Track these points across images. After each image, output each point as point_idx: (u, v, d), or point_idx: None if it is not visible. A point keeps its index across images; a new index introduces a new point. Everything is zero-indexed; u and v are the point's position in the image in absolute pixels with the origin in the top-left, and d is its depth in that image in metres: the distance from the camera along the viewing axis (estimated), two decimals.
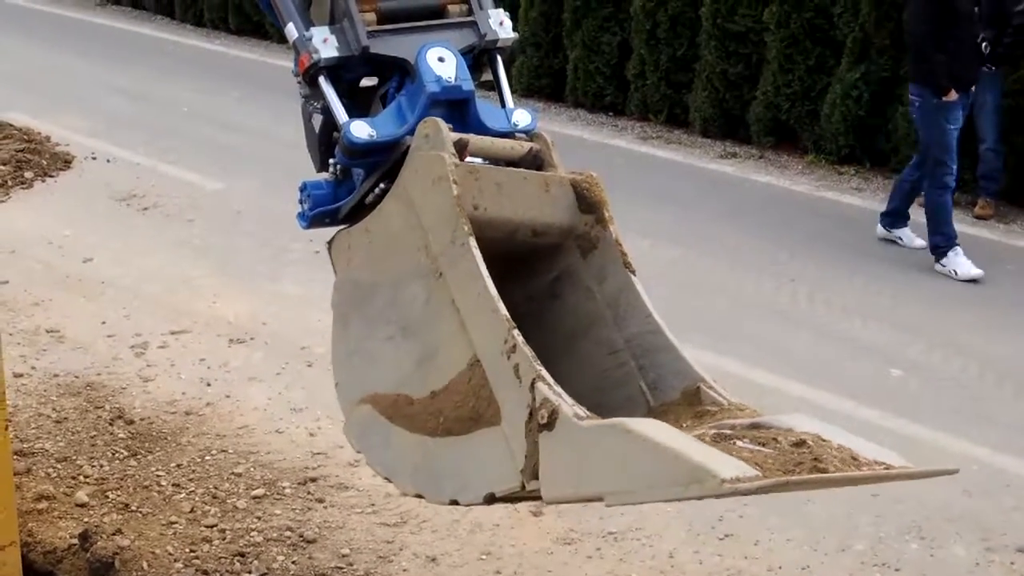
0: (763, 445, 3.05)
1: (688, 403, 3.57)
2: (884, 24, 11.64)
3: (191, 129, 13.00)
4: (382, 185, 3.77)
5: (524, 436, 3.17)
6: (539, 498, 3.24)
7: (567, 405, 3.08)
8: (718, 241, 10.05)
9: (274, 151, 11.27)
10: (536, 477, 3.16)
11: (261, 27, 17.66)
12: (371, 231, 3.73)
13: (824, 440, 3.08)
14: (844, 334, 8.38)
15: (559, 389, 3.13)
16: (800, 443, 3.04)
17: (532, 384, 3.14)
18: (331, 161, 4.00)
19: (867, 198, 11.37)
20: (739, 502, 5.89)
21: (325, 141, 4.03)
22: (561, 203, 3.73)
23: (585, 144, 12.91)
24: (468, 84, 3.75)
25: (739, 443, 3.05)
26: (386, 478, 3.78)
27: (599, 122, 13.96)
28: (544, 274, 3.64)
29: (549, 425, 3.08)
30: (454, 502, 3.52)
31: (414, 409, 3.58)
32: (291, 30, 3.97)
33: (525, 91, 14.57)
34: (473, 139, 3.63)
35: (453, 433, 3.45)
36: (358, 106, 4.01)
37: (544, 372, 3.16)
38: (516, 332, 3.23)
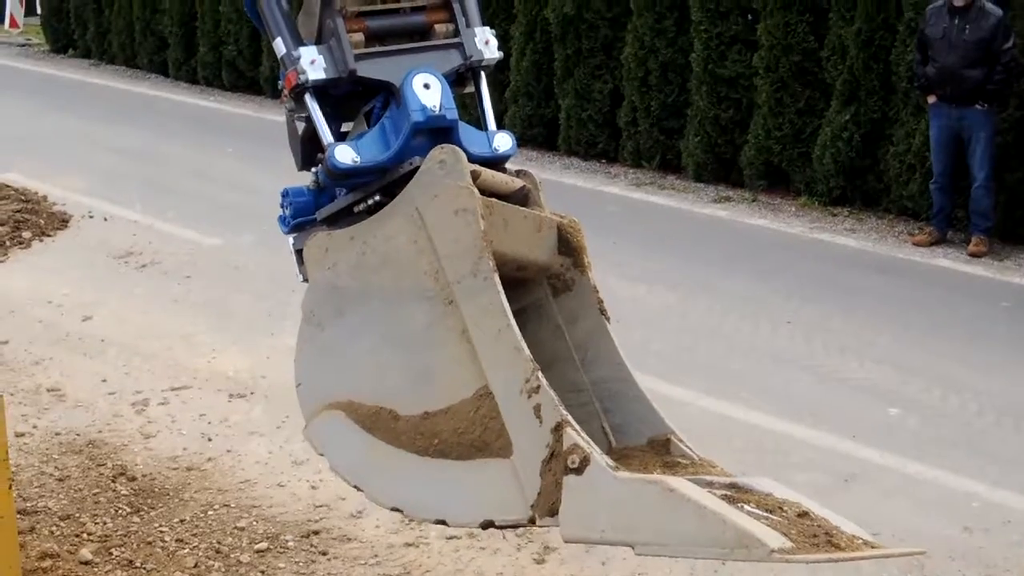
0: (770, 512, 3.13)
1: (655, 452, 3.70)
2: (872, 66, 11.74)
3: (187, 186, 13.07)
4: (377, 197, 3.83)
5: (539, 474, 3.26)
6: (534, 526, 3.33)
7: (598, 454, 3.18)
8: (714, 285, 10.09)
9: (270, 206, 11.07)
10: (552, 515, 3.24)
11: (255, 83, 17.80)
12: (366, 242, 3.76)
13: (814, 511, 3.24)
14: (842, 375, 8.40)
15: (587, 436, 3.21)
16: (804, 514, 3.19)
17: (557, 427, 3.22)
18: (313, 170, 4.06)
19: (860, 239, 11.44)
20: None
21: (307, 143, 4.11)
22: (546, 243, 3.88)
23: (579, 192, 12.98)
24: (452, 113, 3.83)
25: (746, 508, 3.12)
26: (355, 486, 3.82)
27: (592, 170, 14.04)
28: (511, 303, 3.73)
29: (579, 470, 3.17)
30: (441, 522, 3.58)
31: (400, 425, 3.63)
32: (279, 45, 4.04)
33: (518, 141, 14.59)
34: (482, 172, 3.70)
35: (449, 456, 3.52)
36: (342, 115, 4.09)
37: (570, 417, 3.25)
38: (540, 374, 3.32)
